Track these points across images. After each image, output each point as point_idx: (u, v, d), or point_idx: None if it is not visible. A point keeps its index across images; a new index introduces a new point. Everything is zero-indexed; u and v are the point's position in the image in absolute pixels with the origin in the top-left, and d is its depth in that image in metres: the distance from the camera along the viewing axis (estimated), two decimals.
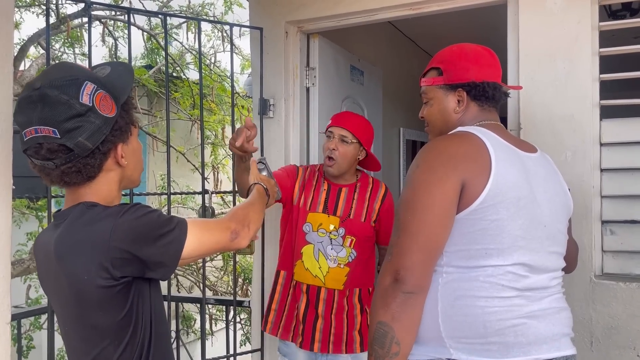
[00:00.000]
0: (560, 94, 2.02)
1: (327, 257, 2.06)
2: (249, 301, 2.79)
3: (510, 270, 1.26)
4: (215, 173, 7.07)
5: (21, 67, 5.88)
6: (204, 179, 2.56)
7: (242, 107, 6.75)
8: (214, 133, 7.19)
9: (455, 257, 1.28)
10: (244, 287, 6.42)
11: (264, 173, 1.62)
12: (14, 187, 1.75)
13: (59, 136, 1.08)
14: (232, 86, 2.78)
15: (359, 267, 2.07)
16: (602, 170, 2.01)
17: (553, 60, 2.03)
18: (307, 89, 2.66)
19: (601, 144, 2.01)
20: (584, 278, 1.97)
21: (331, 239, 2.07)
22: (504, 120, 1.58)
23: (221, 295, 6.39)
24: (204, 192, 2.46)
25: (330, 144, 2.10)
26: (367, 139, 2.14)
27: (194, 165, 6.32)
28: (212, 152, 7.19)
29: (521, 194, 1.28)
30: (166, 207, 2.50)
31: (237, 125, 6.75)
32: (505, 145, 1.35)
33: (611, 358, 1.93)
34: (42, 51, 5.91)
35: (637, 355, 1.89)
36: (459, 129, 1.38)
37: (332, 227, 2.08)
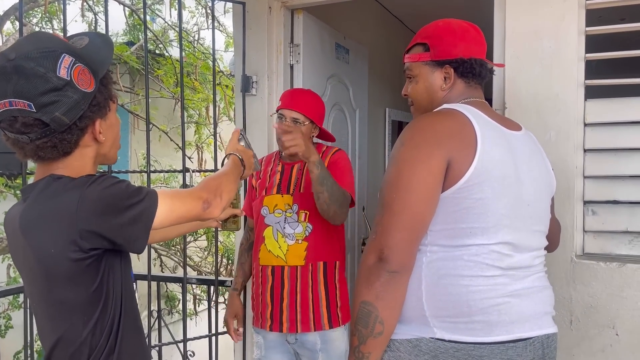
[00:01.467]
0: (546, 73, 2.01)
1: (285, 235, 2.06)
2: (232, 280, 2.77)
3: (495, 249, 1.25)
4: (199, 152, 7.00)
5: None
6: (184, 157, 2.52)
7: (226, 86, 6.66)
8: (197, 112, 7.09)
9: (439, 236, 1.27)
10: (228, 267, 6.40)
11: (242, 143, 1.58)
12: None
13: (34, 110, 1.05)
14: (214, 61, 2.73)
15: (319, 240, 2.06)
16: (585, 150, 2.01)
17: (539, 39, 2.01)
18: (291, 66, 2.61)
19: (585, 124, 2.00)
20: (565, 258, 1.98)
21: (287, 217, 2.07)
22: (489, 100, 1.56)
23: (205, 275, 6.37)
24: (185, 170, 2.42)
25: (282, 127, 2.05)
26: (319, 116, 2.11)
27: (177, 145, 6.24)
28: (195, 131, 7.11)
29: (506, 172, 1.27)
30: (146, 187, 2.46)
31: (221, 105, 6.70)
32: (491, 123, 1.33)
33: (590, 337, 1.96)
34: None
35: (616, 334, 1.92)
36: (444, 106, 1.36)
37: (286, 205, 2.08)
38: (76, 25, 6.57)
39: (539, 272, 1.36)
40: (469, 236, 1.25)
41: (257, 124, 2.54)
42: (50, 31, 6.08)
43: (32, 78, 1.04)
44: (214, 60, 2.73)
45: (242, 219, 1.75)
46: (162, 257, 6.35)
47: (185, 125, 6.99)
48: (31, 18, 6.18)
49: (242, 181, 2.51)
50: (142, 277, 2.75)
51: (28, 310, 2.22)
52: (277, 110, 2.12)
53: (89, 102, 1.11)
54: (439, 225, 1.26)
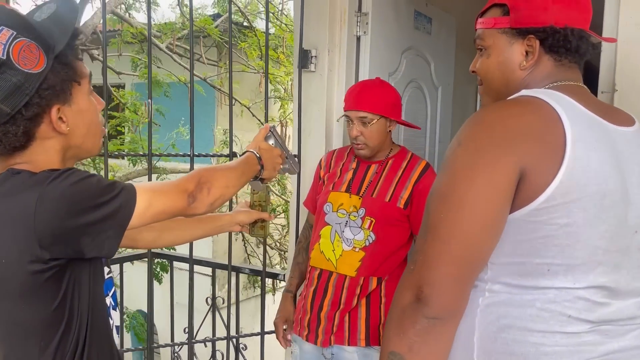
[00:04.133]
0: None
1: (343, 239, 1.80)
2: (284, 275, 2.56)
3: (583, 296, 0.90)
4: (284, 128, 6.86)
5: None
6: (231, 141, 2.30)
7: None
8: (283, 87, 6.93)
9: (504, 271, 0.93)
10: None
11: (271, 142, 1.38)
12: None
13: None
14: (267, 28, 2.46)
15: (379, 254, 1.77)
16: None
17: None
18: (358, 38, 2.28)
19: None
20: None
21: (350, 220, 1.81)
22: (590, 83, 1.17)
23: (285, 253, 6.28)
24: (232, 155, 2.20)
25: (351, 131, 1.82)
26: (391, 108, 1.82)
27: (259, 120, 6.13)
28: (280, 106, 6.97)
29: (607, 187, 0.91)
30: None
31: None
32: (588, 116, 0.96)
33: None
34: None
35: None
36: (523, 92, 1.00)
37: (352, 207, 1.81)
38: None
39: None
40: (546, 275, 0.90)
41: (316, 104, 2.26)
42: None
43: None
44: (267, 28, 2.46)
45: (269, 224, 1.54)
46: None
47: (269, 100, 6.89)
48: None
49: (296, 178, 2.26)
50: (182, 260, 2.64)
51: None
52: (344, 111, 1.88)
53: (37, 86, 0.90)
54: (504, 257, 0.93)
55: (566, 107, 0.94)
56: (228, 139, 5.76)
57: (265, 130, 1.39)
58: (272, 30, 6.62)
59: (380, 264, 1.78)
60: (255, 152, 1.29)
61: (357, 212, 1.80)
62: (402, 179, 1.80)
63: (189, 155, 2.24)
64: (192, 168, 2.24)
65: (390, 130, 1.84)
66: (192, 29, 2.20)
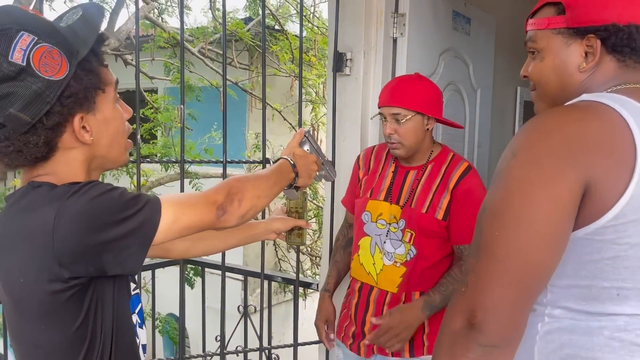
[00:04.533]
0: None
1: (383, 252, 1.72)
2: (317, 284, 2.50)
3: None
4: (315, 132, 6.79)
5: None
6: (264, 147, 2.24)
7: None
8: (315, 90, 6.87)
9: (567, 295, 0.85)
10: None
11: (306, 147, 1.31)
12: None
13: None
14: (301, 26, 2.39)
15: (420, 268, 1.68)
16: None
17: None
18: (394, 40, 2.20)
19: None
20: None
21: (391, 231, 1.71)
22: None
23: (319, 260, 6.21)
24: (265, 161, 2.15)
25: (385, 129, 1.71)
26: (428, 104, 1.68)
27: (290, 124, 6.09)
28: (312, 109, 6.91)
29: None
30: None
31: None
32: None
33: None
34: None
35: None
36: (584, 97, 0.91)
37: (392, 217, 1.71)
38: None
39: None
40: (615, 301, 0.82)
41: (350, 109, 2.19)
42: None
43: None
44: (301, 31, 2.40)
45: (306, 231, 1.48)
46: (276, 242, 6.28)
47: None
48: None
49: (330, 184, 2.20)
50: (214, 267, 2.60)
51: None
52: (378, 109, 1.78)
53: (59, 93, 0.85)
54: (566, 279, 0.84)
55: (634, 112, 0.85)
56: (259, 142, 5.75)
57: (299, 135, 1.31)
58: (304, 33, 6.58)
59: (422, 278, 1.69)
60: (289, 159, 1.22)
61: (397, 224, 1.71)
62: (440, 186, 1.69)
63: (221, 162, 2.19)
64: (224, 174, 2.19)
65: (428, 129, 1.71)
66: (225, 33, 2.15)
